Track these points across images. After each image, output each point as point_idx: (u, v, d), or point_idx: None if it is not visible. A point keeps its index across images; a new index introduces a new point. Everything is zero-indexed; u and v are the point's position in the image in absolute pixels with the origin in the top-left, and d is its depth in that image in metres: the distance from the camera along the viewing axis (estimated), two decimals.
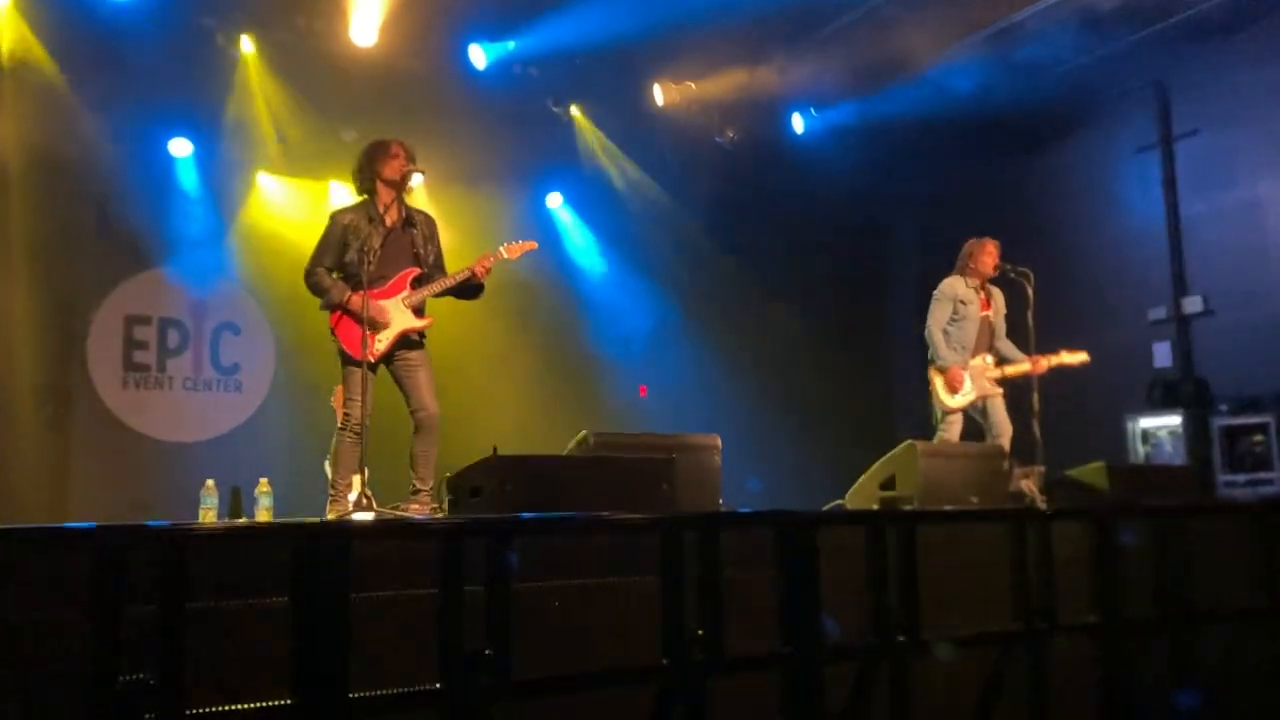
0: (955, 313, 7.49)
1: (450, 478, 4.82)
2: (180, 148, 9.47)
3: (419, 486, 5.61)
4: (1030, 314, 7.12)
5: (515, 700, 3.13)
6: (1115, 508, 5.25)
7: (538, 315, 10.86)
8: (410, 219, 5.82)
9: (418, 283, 5.74)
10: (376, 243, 5.56)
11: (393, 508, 5.42)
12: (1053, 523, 4.58)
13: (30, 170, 8.75)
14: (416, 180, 5.84)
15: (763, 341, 11.61)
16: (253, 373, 9.96)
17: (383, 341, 5.56)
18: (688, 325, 11.49)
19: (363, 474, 5.36)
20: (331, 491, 5.68)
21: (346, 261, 5.65)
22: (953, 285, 7.56)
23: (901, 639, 3.94)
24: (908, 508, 5.65)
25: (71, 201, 8.97)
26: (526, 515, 3.81)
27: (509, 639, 3.08)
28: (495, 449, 4.58)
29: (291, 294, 7.39)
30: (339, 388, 5.85)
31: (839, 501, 6.31)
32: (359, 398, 5.47)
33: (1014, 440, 7.27)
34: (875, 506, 5.90)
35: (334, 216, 5.80)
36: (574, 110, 10.74)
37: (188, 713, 2.63)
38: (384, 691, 2.92)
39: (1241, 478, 9.17)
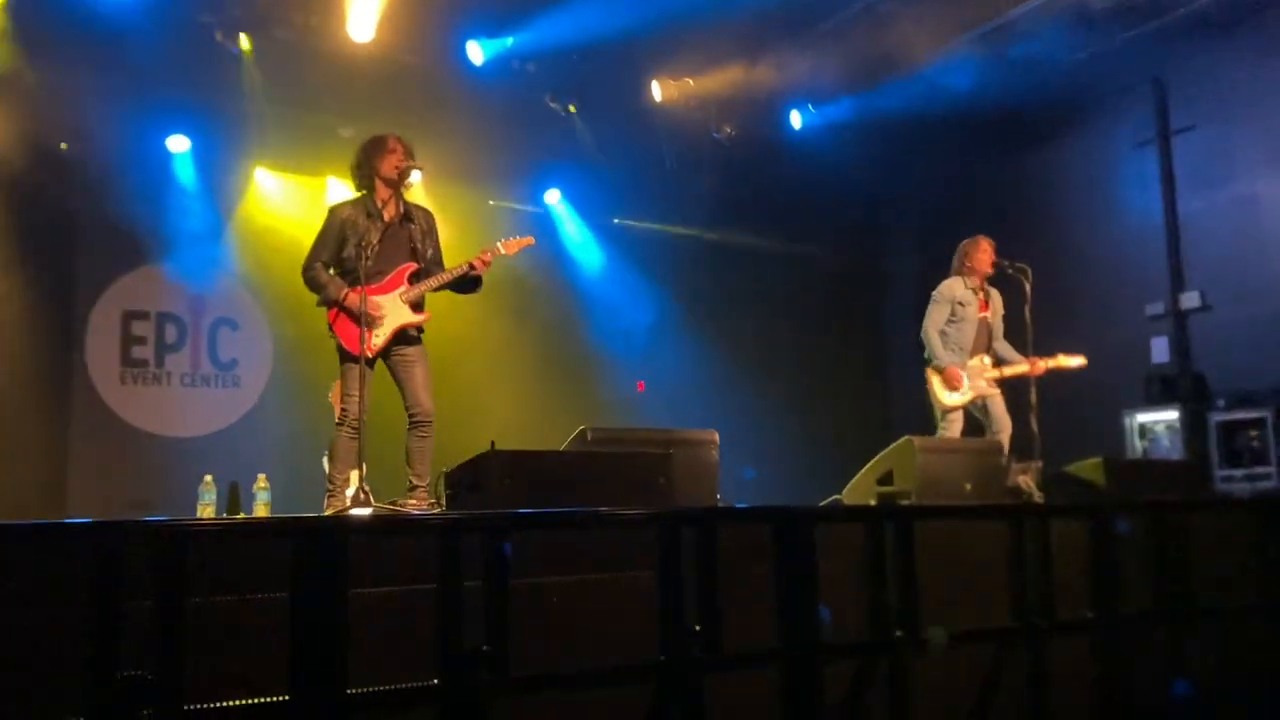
0: (953, 314, 7.49)
1: (448, 473, 4.82)
2: (178, 144, 9.47)
3: (416, 483, 5.60)
4: (1028, 310, 7.11)
5: (513, 696, 3.14)
6: (1113, 503, 5.26)
7: (535, 311, 10.86)
8: (408, 214, 5.81)
9: (415, 278, 5.73)
10: (374, 238, 5.56)
11: (390, 503, 5.42)
12: (1051, 518, 4.58)
13: (28, 166, 8.74)
14: (415, 176, 5.83)
15: (760, 337, 11.61)
16: (250, 368, 9.96)
17: (380, 337, 5.56)
18: (685, 321, 11.49)
19: (360, 470, 5.36)
20: (329, 487, 5.68)
21: (344, 257, 5.64)
22: (951, 287, 7.55)
23: (899, 635, 3.95)
24: (905, 503, 5.66)
25: (69, 197, 8.97)
26: (524, 511, 3.82)
27: (507, 635, 3.09)
28: (493, 444, 4.57)
29: (289, 290, 7.40)
30: (337, 383, 5.85)
31: (836, 497, 6.32)
32: (356, 393, 5.46)
33: (1012, 436, 7.27)
34: (873, 502, 5.90)
35: (332, 211, 5.79)
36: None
37: (186, 708, 2.63)
38: (382, 687, 2.92)
39: (1239, 472, 9.17)
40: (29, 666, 2.57)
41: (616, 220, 11.77)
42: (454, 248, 6.08)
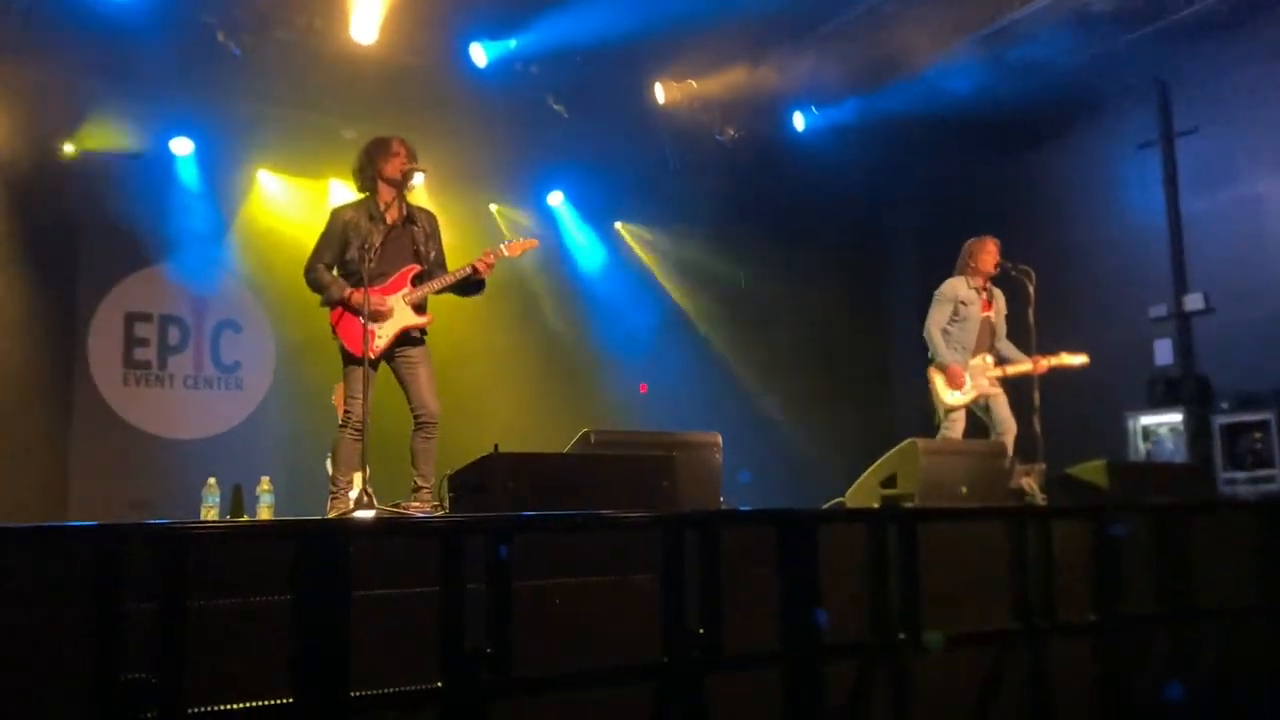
0: (956, 313, 7.48)
1: (451, 475, 4.82)
2: (181, 146, 9.48)
3: (420, 484, 5.60)
4: (1031, 312, 7.11)
5: (516, 698, 3.14)
6: (1115, 505, 5.25)
7: (538, 313, 10.87)
8: (411, 216, 5.81)
9: (418, 280, 5.73)
10: (377, 240, 5.55)
11: (394, 505, 5.42)
12: (1053, 521, 4.58)
13: (31, 168, 8.76)
14: (418, 179, 5.82)
15: (763, 339, 11.61)
16: (253, 370, 9.97)
17: (383, 338, 5.56)
18: (688, 323, 11.49)
19: (364, 472, 5.36)
20: (332, 489, 5.68)
21: (347, 259, 5.64)
22: (954, 286, 7.55)
23: (901, 637, 3.95)
24: (908, 505, 5.65)
25: (72, 199, 8.98)
26: (527, 513, 3.81)
27: (510, 637, 3.09)
28: (496, 446, 4.58)
29: (292, 292, 7.39)
30: (339, 385, 5.85)
31: (840, 499, 6.32)
32: (360, 396, 5.46)
33: (1016, 438, 7.26)
34: (876, 504, 5.90)
35: (334, 213, 5.79)
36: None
37: (189, 711, 2.63)
38: (385, 690, 2.92)
39: (1242, 475, 9.17)
40: (32, 669, 2.57)
41: (619, 224, 11.78)
42: (457, 250, 6.07)
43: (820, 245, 11.99)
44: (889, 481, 5.99)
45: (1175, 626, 4.82)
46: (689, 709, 3.42)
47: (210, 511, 7.01)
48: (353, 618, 2.89)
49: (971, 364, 7.40)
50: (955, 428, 7.34)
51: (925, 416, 7.60)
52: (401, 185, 5.73)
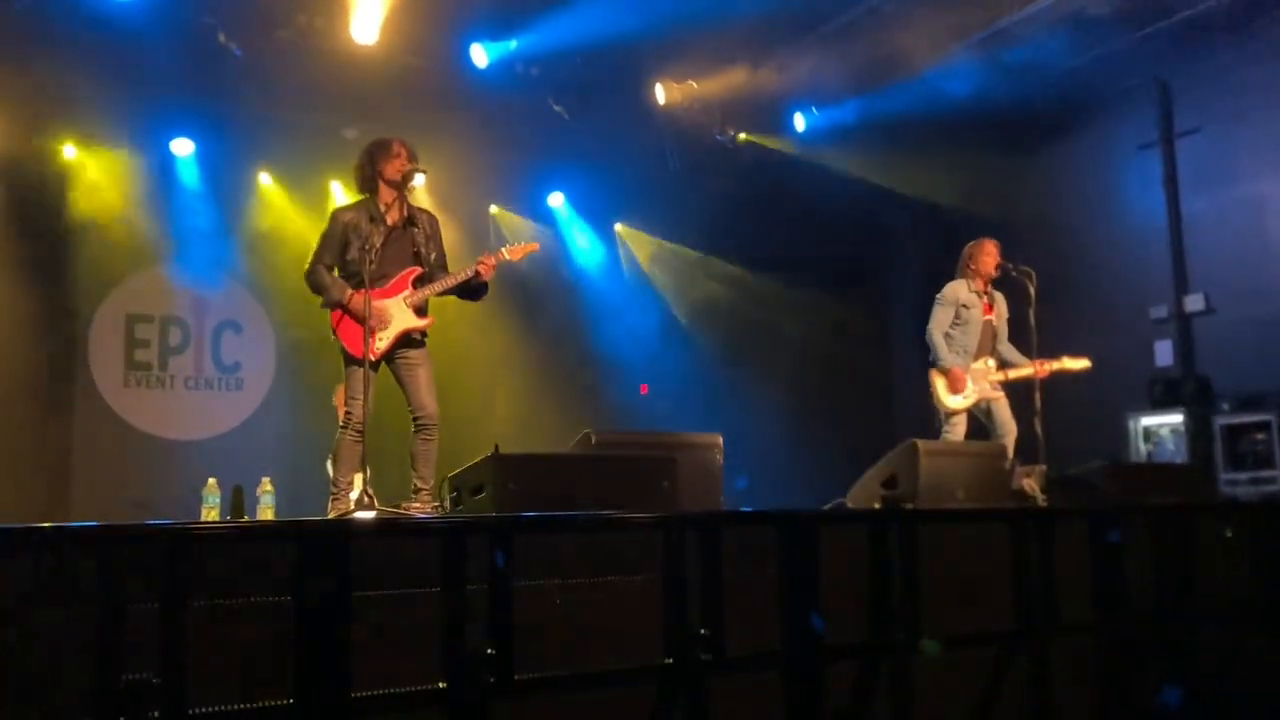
0: (957, 317, 7.48)
1: (452, 476, 4.81)
2: (182, 147, 9.49)
3: (420, 485, 5.60)
4: (1032, 313, 7.11)
5: (517, 699, 3.14)
6: (1117, 507, 5.25)
7: (539, 314, 10.87)
8: (412, 218, 5.80)
9: (419, 282, 5.73)
10: (378, 241, 5.55)
11: (394, 506, 5.42)
12: (1054, 522, 4.58)
13: (33, 168, 8.77)
14: (418, 179, 5.82)
15: (764, 340, 11.61)
16: (254, 371, 9.97)
17: (383, 340, 5.55)
18: (688, 324, 11.49)
19: (364, 473, 5.35)
20: (333, 490, 5.68)
21: (347, 260, 5.64)
22: (955, 290, 7.55)
23: (902, 637, 3.94)
24: (909, 506, 5.65)
25: (73, 199, 8.98)
26: (528, 514, 3.81)
27: (511, 638, 3.08)
28: (497, 447, 4.57)
29: (293, 293, 7.40)
30: (340, 387, 5.84)
31: (841, 500, 6.31)
32: (360, 397, 5.46)
33: (1017, 439, 7.25)
34: (877, 505, 5.89)
35: (335, 214, 5.78)
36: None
37: (190, 712, 2.63)
38: (386, 690, 2.92)
39: (1243, 476, 9.16)
40: (33, 669, 2.57)
41: (619, 225, 11.78)
42: (458, 251, 6.08)
43: (821, 245, 11.98)
44: (890, 482, 5.98)
45: (1175, 626, 4.82)
46: (691, 709, 3.42)
47: (211, 512, 7.00)
48: (354, 618, 2.89)
49: (973, 367, 7.40)
50: (956, 430, 7.34)
51: (926, 418, 7.59)
52: (402, 186, 5.72)
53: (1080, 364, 7.36)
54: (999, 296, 7.66)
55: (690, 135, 11.18)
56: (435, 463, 5.64)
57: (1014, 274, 7.35)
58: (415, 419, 5.66)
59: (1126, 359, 10.11)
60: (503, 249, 5.88)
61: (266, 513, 7.07)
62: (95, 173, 9.09)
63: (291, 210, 9.92)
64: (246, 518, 7.55)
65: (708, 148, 11.32)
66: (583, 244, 11.60)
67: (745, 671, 3.63)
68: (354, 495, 5.59)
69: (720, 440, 5.73)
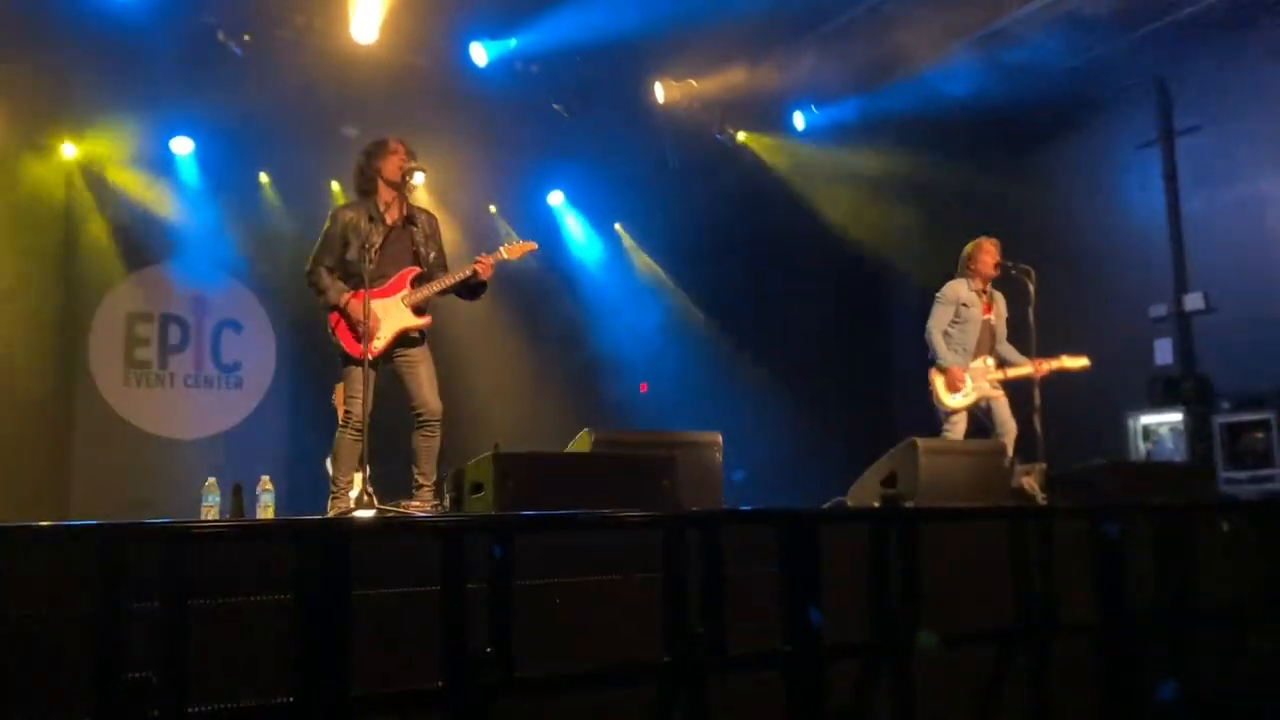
0: (957, 316, 7.49)
1: (452, 474, 4.83)
2: (182, 145, 9.49)
3: (421, 482, 5.60)
4: (1032, 312, 7.11)
5: (517, 698, 3.14)
6: (1116, 506, 5.25)
7: (539, 313, 10.87)
8: (411, 217, 5.80)
9: (418, 281, 5.73)
10: (377, 241, 5.55)
11: (394, 505, 5.42)
12: (1054, 521, 4.58)
13: (33, 167, 8.76)
14: (418, 178, 5.82)
15: (763, 338, 11.61)
16: (254, 370, 9.97)
17: (381, 340, 5.55)
18: (688, 323, 11.49)
19: (364, 472, 5.36)
20: (333, 489, 5.68)
21: (346, 260, 5.64)
22: (954, 289, 7.55)
23: (903, 636, 3.94)
24: (909, 505, 5.65)
25: (73, 198, 8.98)
26: (528, 513, 3.81)
27: (511, 636, 3.09)
28: (497, 446, 4.58)
29: (292, 291, 7.42)
30: (340, 386, 5.85)
31: (841, 498, 6.31)
32: (359, 395, 5.47)
33: (1017, 438, 7.26)
34: (877, 504, 5.90)
35: (334, 214, 5.79)
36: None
37: (190, 710, 2.63)
38: (386, 689, 2.92)
39: (1243, 474, 9.16)
40: (34, 669, 2.57)
41: (619, 225, 11.78)
42: (458, 249, 6.09)
43: (821, 245, 11.99)
44: (889, 481, 5.99)
45: (1175, 626, 4.82)
46: (691, 708, 3.42)
47: (210, 511, 7.00)
48: (353, 617, 2.89)
49: (972, 366, 7.40)
50: (956, 429, 7.35)
51: (926, 416, 7.59)
52: (401, 185, 5.73)
53: (1079, 363, 7.36)
54: (998, 296, 7.66)
55: (690, 134, 11.18)
56: (437, 459, 5.65)
57: (1014, 272, 7.36)
58: (418, 415, 5.66)
59: (1126, 358, 10.10)
60: (501, 248, 5.88)
61: (266, 511, 7.07)
62: (95, 172, 9.08)
63: (291, 209, 9.92)
64: (246, 517, 7.55)
65: (707, 146, 11.32)
66: (582, 242, 11.60)
67: (746, 671, 3.63)
68: (354, 494, 5.60)
69: (720, 439, 5.74)
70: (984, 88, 9.99)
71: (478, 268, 5.70)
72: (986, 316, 7.53)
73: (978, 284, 7.55)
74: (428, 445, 5.64)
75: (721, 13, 9.18)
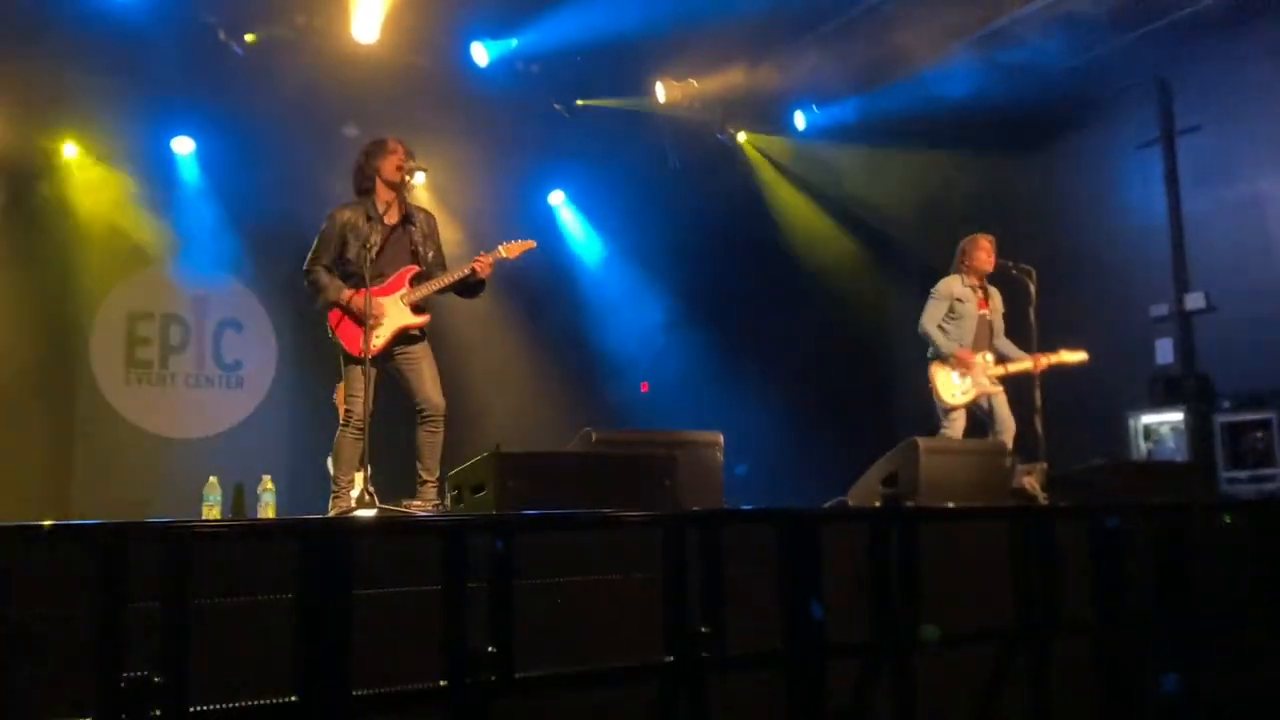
0: (952, 311, 7.49)
1: (453, 474, 4.83)
2: (182, 145, 9.49)
3: (425, 477, 5.62)
4: (1033, 311, 7.11)
5: (517, 698, 3.14)
6: (1116, 505, 5.25)
7: (539, 312, 10.87)
8: (409, 216, 5.82)
9: (417, 280, 5.75)
10: (376, 240, 5.57)
11: (395, 504, 5.43)
12: (1054, 520, 4.58)
13: (33, 167, 8.77)
14: (419, 177, 5.85)
15: (764, 338, 11.60)
16: (255, 369, 9.98)
17: (380, 338, 5.57)
18: (689, 322, 11.48)
19: (365, 471, 5.37)
20: (334, 488, 5.69)
21: (345, 259, 5.66)
22: (949, 285, 7.56)
23: (903, 636, 3.94)
24: (909, 504, 5.65)
25: (73, 199, 8.98)
26: (529, 512, 3.82)
27: (512, 636, 3.09)
28: (498, 445, 4.58)
29: (293, 291, 7.41)
30: (341, 385, 5.86)
31: (841, 498, 6.32)
32: (360, 395, 5.48)
33: (1016, 437, 7.26)
34: (878, 503, 5.90)
35: (332, 214, 5.81)
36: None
37: (191, 710, 2.63)
38: (387, 689, 2.93)
39: (1244, 474, 9.16)
40: (34, 668, 2.58)
41: (619, 223, 11.77)
42: (458, 249, 6.10)
43: (821, 245, 11.99)
44: (890, 480, 5.99)
45: (1175, 626, 4.82)
46: (691, 708, 3.42)
47: (211, 510, 7.01)
48: (354, 617, 2.89)
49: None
50: (955, 427, 7.35)
51: (926, 416, 7.60)
52: (400, 185, 5.75)
53: (1077, 357, 7.36)
54: (994, 292, 7.67)
55: (690, 134, 11.17)
56: (440, 455, 5.66)
57: (1014, 272, 7.36)
58: (421, 412, 5.67)
59: (1127, 357, 10.10)
60: (500, 247, 5.90)
61: (267, 511, 7.08)
62: (95, 171, 9.09)
63: (292, 209, 9.90)
64: (247, 516, 7.56)
65: (707, 146, 11.32)
66: (582, 241, 11.60)
67: (746, 670, 3.63)
68: (355, 494, 5.60)
69: (721, 438, 5.74)
70: (984, 88, 9.99)
71: (476, 266, 5.71)
72: (982, 312, 7.54)
73: (972, 280, 7.56)
74: (431, 441, 5.65)
75: (721, 13, 9.18)
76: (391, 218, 5.74)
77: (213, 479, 7.15)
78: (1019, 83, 10.09)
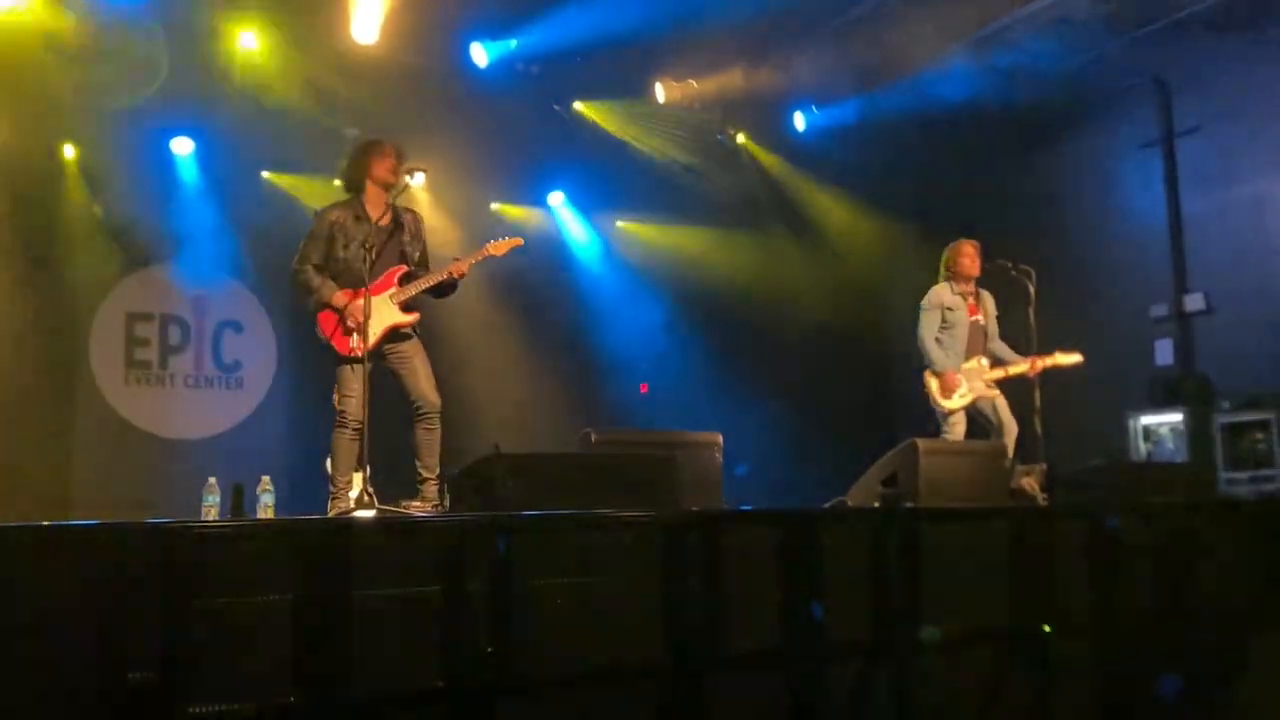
0: (944, 320, 7.49)
1: (453, 475, 4.82)
2: (182, 145, 9.48)
3: (425, 475, 5.62)
4: (1032, 312, 7.11)
5: (517, 698, 3.14)
6: (1116, 506, 5.25)
7: (539, 312, 10.86)
8: (397, 217, 5.86)
9: (405, 280, 5.78)
10: (370, 240, 5.59)
11: (394, 505, 5.42)
12: (1054, 520, 4.58)
13: (32, 167, 8.76)
14: (419, 179, 5.89)
15: (764, 338, 11.59)
16: (254, 370, 9.97)
17: (370, 337, 5.58)
18: (689, 322, 11.48)
19: (364, 471, 5.37)
20: (332, 489, 5.69)
21: (335, 258, 5.69)
22: (937, 294, 7.56)
23: (903, 636, 3.94)
24: (909, 505, 5.65)
25: (74, 198, 8.98)
26: (528, 513, 3.82)
27: (511, 636, 3.09)
28: (497, 446, 4.58)
29: (293, 292, 7.40)
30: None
31: (841, 499, 6.32)
32: (354, 394, 5.50)
33: (1017, 438, 7.25)
34: (877, 504, 5.90)
35: (320, 213, 5.85)
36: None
37: (191, 711, 2.63)
38: (387, 689, 2.92)
39: (1244, 475, 9.15)
40: (34, 669, 2.57)
41: (620, 224, 11.77)
42: (457, 249, 6.10)
43: (821, 245, 11.98)
44: (890, 481, 5.99)
45: (1175, 626, 4.82)
46: (691, 708, 3.42)
47: (211, 511, 7.00)
48: (353, 617, 2.89)
49: (965, 367, 7.41)
50: (956, 430, 7.35)
51: (926, 417, 7.59)
52: (390, 187, 5.79)
53: (1073, 358, 7.36)
54: (985, 295, 7.66)
55: (690, 134, 11.17)
56: (439, 452, 5.66)
57: (1013, 273, 7.35)
58: (416, 409, 5.68)
59: (1126, 358, 10.10)
60: (487, 245, 5.92)
61: (267, 512, 7.07)
62: (95, 172, 9.08)
63: (292, 209, 9.90)
64: (246, 517, 7.55)
65: (708, 147, 11.32)
66: (582, 241, 11.59)
67: (746, 671, 3.63)
68: (354, 494, 5.60)
69: (720, 439, 5.74)
70: (984, 88, 9.98)
71: (453, 270, 5.73)
72: (974, 318, 7.54)
73: (960, 286, 7.55)
74: (429, 438, 5.66)
75: (722, 13, 9.18)
76: (379, 218, 5.77)
77: (212, 480, 7.14)
78: (1018, 83, 10.08)
